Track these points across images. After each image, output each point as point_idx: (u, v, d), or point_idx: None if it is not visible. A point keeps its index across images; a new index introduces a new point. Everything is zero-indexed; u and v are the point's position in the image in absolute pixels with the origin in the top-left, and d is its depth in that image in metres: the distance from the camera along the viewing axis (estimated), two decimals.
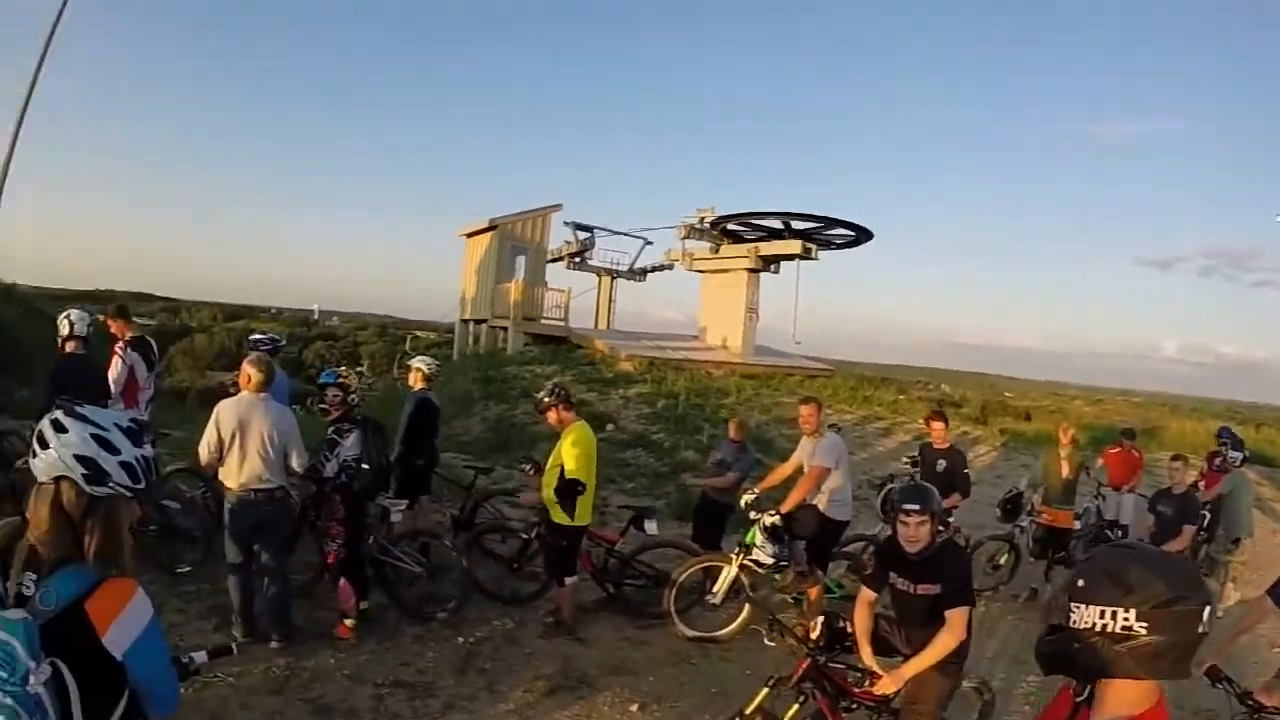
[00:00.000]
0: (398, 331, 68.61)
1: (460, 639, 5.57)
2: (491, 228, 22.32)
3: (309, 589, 5.96)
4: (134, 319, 7.39)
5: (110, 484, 1.58)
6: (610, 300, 25.58)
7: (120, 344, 6.72)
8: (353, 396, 5.69)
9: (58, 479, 1.56)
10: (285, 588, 5.27)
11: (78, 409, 1.63)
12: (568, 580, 5.86)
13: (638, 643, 5.88)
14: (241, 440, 4.94)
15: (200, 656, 2.08)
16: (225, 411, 5.00)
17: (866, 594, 3.94)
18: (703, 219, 21.75)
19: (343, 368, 5.99)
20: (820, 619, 4.00)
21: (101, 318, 7.13)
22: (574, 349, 20.22)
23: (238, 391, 5.22)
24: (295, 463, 5.16)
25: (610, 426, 13.53)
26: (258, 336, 7.63)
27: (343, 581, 5.37)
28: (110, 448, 1.59)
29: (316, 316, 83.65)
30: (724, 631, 6.03)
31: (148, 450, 1.66)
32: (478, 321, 23.27)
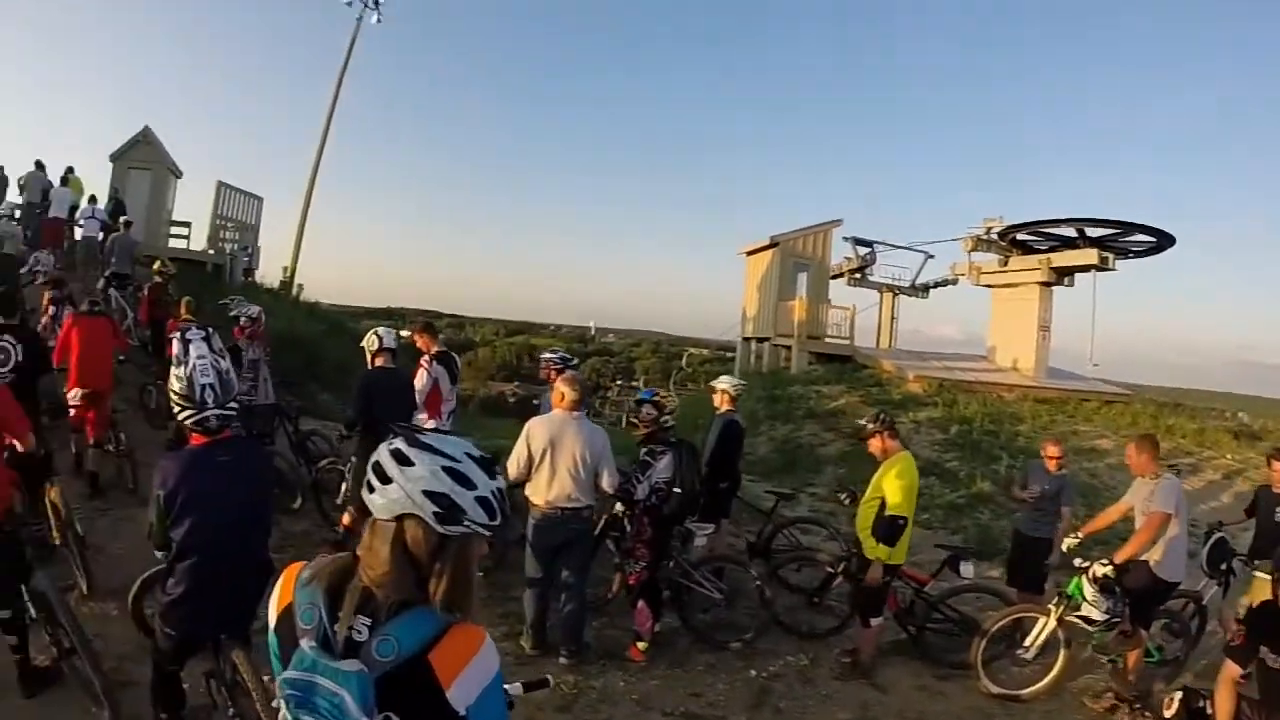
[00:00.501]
0: (671, 348, 71.07)
1: (753, 672, 5.37)
2: (773, 245, 22.16)
3: (600, 606, 6.00)
4: (438, 334, 7.78)
5: (465, 522, 1.40)
6: (892, 318, 24.53)
7: (425, 358, 7.13)
8: (666, 417, 5.71)
9: (401, 517, 1.40)
10: (582, 605, 5.31)
11: (420, 437, 1.47)
12: (873, 621, 5.50)
13: (935, 693, 5.44)
14: (552, 458, 5.00)
15: (516, 689, 1.97)
16: (537, 428, 5.08)
17: (1231, 670, 3.49)
18: (990, 229, 20.27)
19: (662, 390, 6.01)
20: (1178, 695, 3.68)
21: (407, 333, 7.61)
22: (859, 369, 19.43)
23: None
24: (606, 483, 5.18)
25: None
26: (549, 355, 7.72)
27: (641, 603, 5.36)
28: (465, 481, 1.41)
29: (593, 333, 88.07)
30: (1030, 690, 5.41)
31: (500, 482, 1.48)
32: (760, 340, 23.12)
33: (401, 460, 1.42)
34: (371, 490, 1.43)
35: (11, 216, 14.29)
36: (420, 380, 6.90)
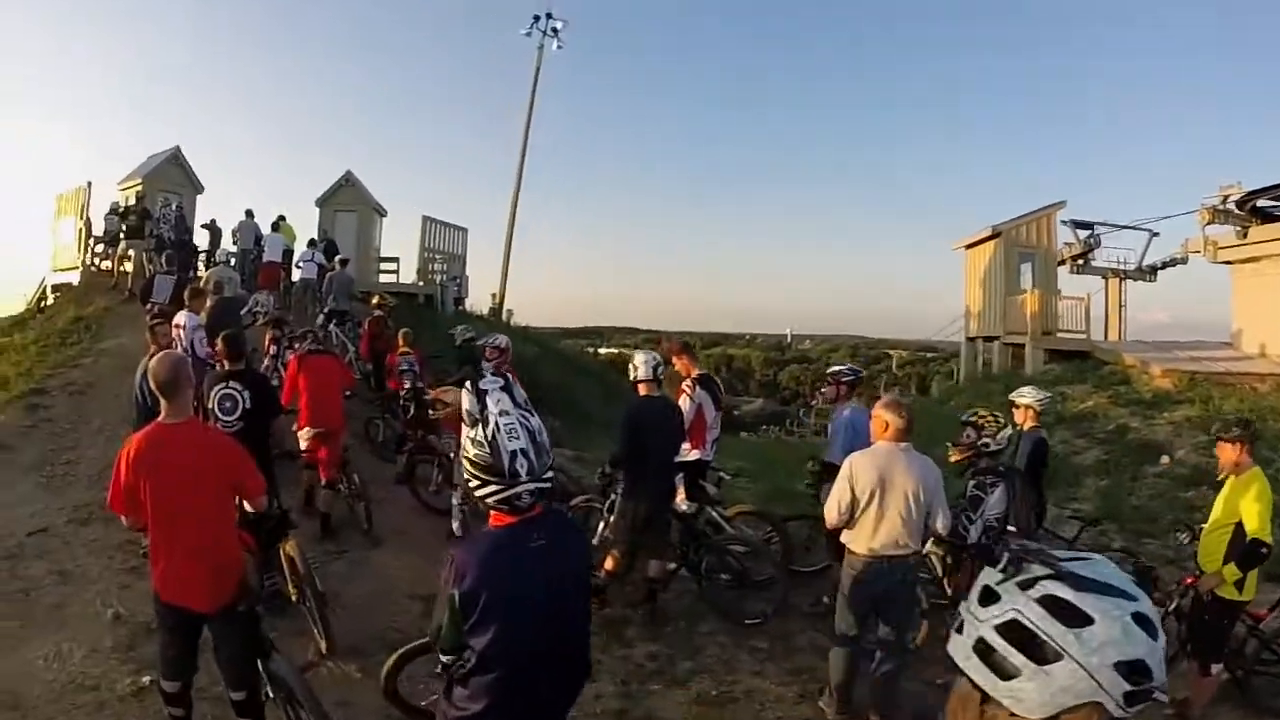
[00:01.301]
0: (870, 351, 69.95)
1: None
2: (994, 235, 20.70)
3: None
4: (697, 355, 7.30)
5: (1155, 692, 0.99)
6: (1120, 305, 22.21)
7: (688, 382, 6.67)
8: (987, 440, 5.09)
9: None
10: (901, 665, 4.65)
11: (1074, 569, 0.97)
12: (1214, 668, 4.92)
13: None
14: (881, 498, 4.34)
15: None
16: (861, 463, 4.43)
17: None
18: (1226, 198, 17.72)
19: (982, 410, 5.28)
20: None
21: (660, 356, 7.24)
22: (1099, 365, 17.52)
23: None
24: (940, 523, 4.53)
25: (1165, 460, 11.69)
26: (838, 368, 7.15)
27: None
28: (1152, 628, 0.99)
29: (789, 339, 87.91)
30: None
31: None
32: (987, 339, 21.55)
33: (1071, 616, 0.95)
34: (1006, 674, 0.97)
35: (228, 263, 15.37)
36: (684, 407, 6.49)
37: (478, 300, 22.12)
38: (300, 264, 15.63)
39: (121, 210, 16.01)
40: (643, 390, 6.03)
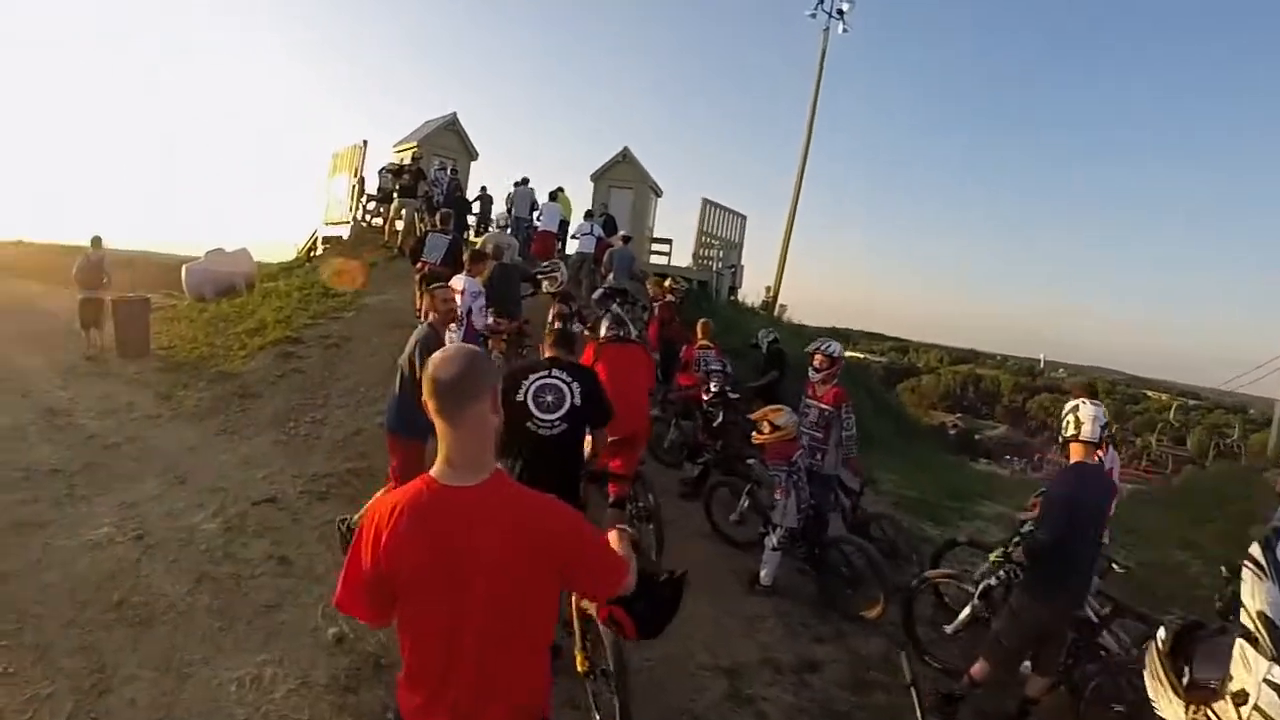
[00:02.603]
0: (1127, 390, 64.16)
1: None
2: None
3: None
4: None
5: None
6: None
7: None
8: None
9: None
10: None
11: None
12: None
13: None
14: None
15: None
16: None
17: None
18: None
19: None
20: None
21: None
22: None
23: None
24: None
25: None
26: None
27: None
28: None
29: (1042, 366, 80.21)
30: None
31: None
32: None
33: None
34: None
35: (505, 229, 13.98)
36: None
37: (749, 291, 20.17)
38: (578, 235, 14.12)
39: (396, 169, 15.27)
40: (1077, 454, 4.40)
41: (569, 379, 4.41)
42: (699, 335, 9.38)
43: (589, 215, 14.66)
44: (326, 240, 16.63)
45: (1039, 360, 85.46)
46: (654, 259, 17.63)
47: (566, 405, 4.33)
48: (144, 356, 10.79)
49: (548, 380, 4.41)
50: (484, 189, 17.15)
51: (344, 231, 15.94)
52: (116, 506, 6.38)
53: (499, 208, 16.93)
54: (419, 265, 9.67)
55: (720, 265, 17.91)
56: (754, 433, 6.20)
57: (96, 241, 11.49)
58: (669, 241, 18.42)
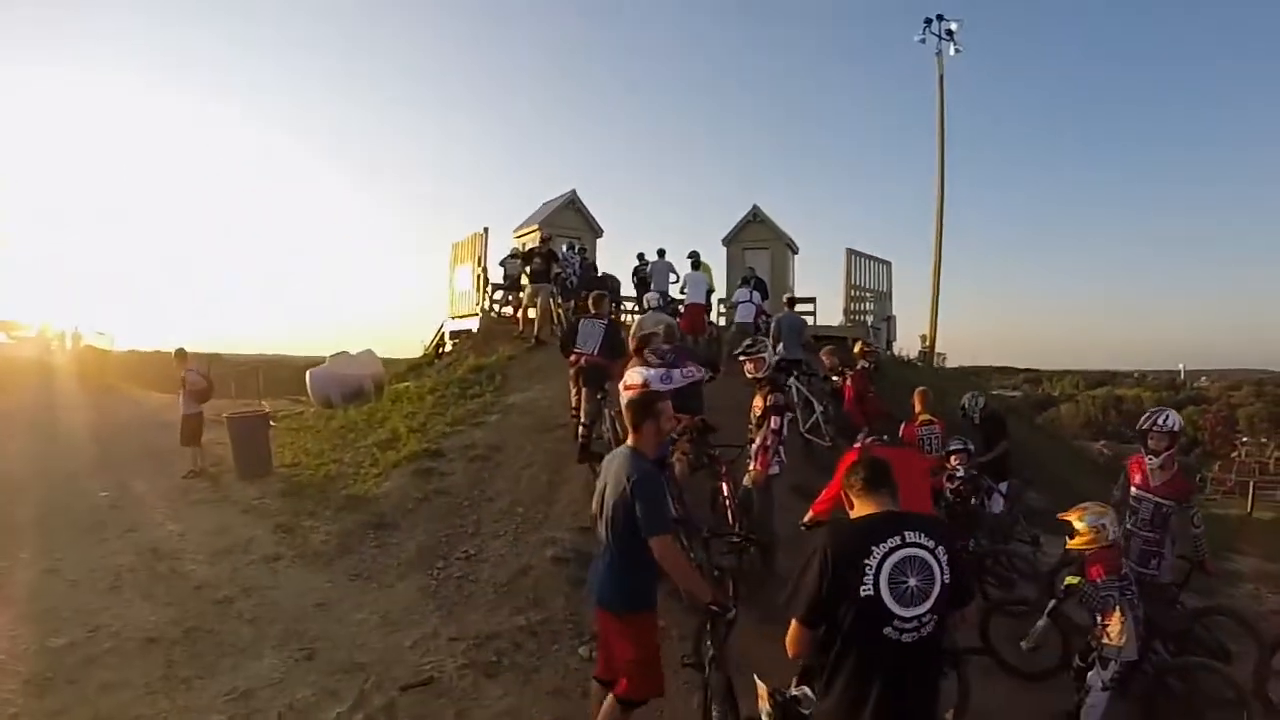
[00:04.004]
0: (1278, 389, 60.08)
1: None
2: None
3: None
4: None
5: None
6: None
7: None
8: None
9: None
10: None
11: None
12: None
13: None
14: None
15: None
16: None
17: None
18: None
19: None
20: None
21: None
22: None
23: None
24: None
25: None
26: None
27: None
28: None
29: (1182, 377, 75.40)
30: None
31: None
32: None
33: None
34: None
35: (658, 306, 12.37)
36: None
37: (904, 344, 18.61)
38: (735, 304, 12.41)
39: (524, 253, 13.99)
40: None
41: (931, 541, 2.63)
42: (917, 408, 7.85)
43: (745, 281, 12.84)
44: (455, 335, 15.41)
45: (1179, 371, 79.57)
46: None
47: (936, 588, 2.57)
48: (265, 476, 9.42)
49: (906, 550, 2.59)
50: (605, 273, 15.65)
51: (473, 324, 14.66)
52: (225, 696, 4.77)
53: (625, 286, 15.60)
54: (573, 358, 8.00)
55: (874, 319, 16.16)
56: (1067, 538, 4.79)
57: (180, 354, 10.43)
58: (812, 300, 16.58)
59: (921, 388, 8.13)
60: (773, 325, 11.17)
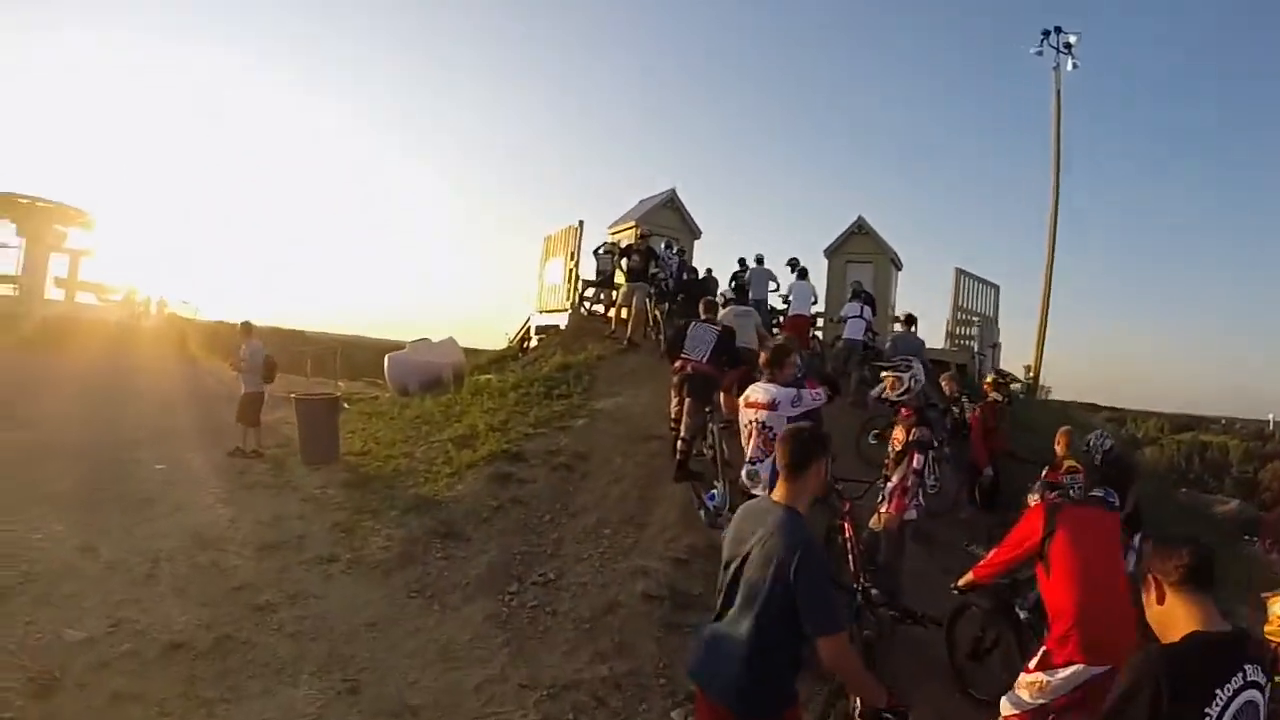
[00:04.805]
0: None
1: None
2: None
3: None
4: None
5: None
6: None
7: None
8: None
9: None
10: None
11: None
12: None
13: None
14: None
15: None
16: None
17: None
18: None
19: None
20: None
21: None
22: None
23: None
24: None
25: None
26: None
27: None
28: None
29: (1271, 428, 69.15)
30: None
31: None
32: None
33: None
34: None
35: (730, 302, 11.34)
36: None
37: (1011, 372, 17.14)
38: (844, 319, 11.26)
39: (622, 249, 13.08)
40: None
41: (1263, 676, 1.99)
42: (1060, 451, 6.65)
43: (856, 295, 11.62)
44: (541, 330, 14.62)
45: (1269, 421, 74.48)
46: None
47: None
48: (331, 463, 8.71)
49: (1247, 694, 1.95)
50: (709, 271, 14.57)
51: (561, 320, 13.83)
52: None
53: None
54: (679, 364, 7.02)
55: (980, 344, 14.95)
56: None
57: (246, 327, 9.79)
58: (914, 320, 15.24)
59: (1066, 428, 6.98)
60: (887, 345, 10.02)
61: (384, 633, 4.84)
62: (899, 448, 5.36)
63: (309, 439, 9.02)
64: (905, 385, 5.81)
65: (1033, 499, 4.05)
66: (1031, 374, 19.00)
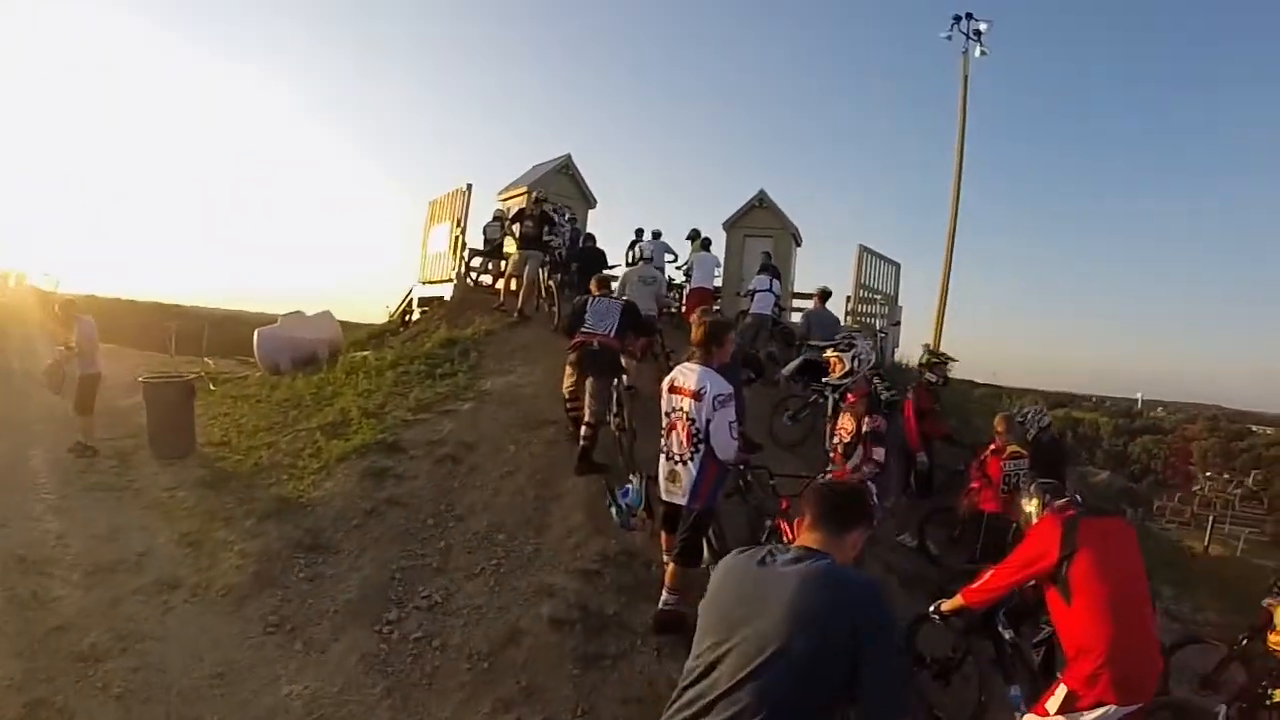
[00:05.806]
0: (1230, 425, 60.78)
1: None
2: None
3: None
4: None
5: None
6: None
7: None
8: None
9: None
10: None
11: None
12: None
13: None
14: None
15: None
16: None
17: None
18: None
19: None
20: None
21: None
22: None
23: None
24: None
25: None
26: None
27: None
28: None
29: (1139, 407, 76.75)
30: None
31: None
32: None
33: None
34: None
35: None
36: None
37: (908, 353, 17.15)
38: (752, 293, 10.88)
39: (511, 216, 12.19)
40: None
41: None
42: (1000, 435, 6.40)
43: (765, 268, 11.20)
44: (424, 302, 13.61)
45: (1136, 400, 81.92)
46: (797, 317, 14.33)
47: None
48: (185, 457, 7.71)
49: None
50: (592, 237, 13.32)
51: (446, 291, 12.88)
52: None
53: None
54: (578, 339, 6.43)
55: (882, 323, 14.84)
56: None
57: (68, 307, 8.50)
58: (829, 295, 15.13)
59: (1004, 413, 6.72)
60: (801, 321, 9.74)
61: (233, 687, 4.07)
62: (848, 439, 4.93)
63: (159, 429, 7.96)
64: (848, 367, 5.38)
65: (1031, 504, 3.61)
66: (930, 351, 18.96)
